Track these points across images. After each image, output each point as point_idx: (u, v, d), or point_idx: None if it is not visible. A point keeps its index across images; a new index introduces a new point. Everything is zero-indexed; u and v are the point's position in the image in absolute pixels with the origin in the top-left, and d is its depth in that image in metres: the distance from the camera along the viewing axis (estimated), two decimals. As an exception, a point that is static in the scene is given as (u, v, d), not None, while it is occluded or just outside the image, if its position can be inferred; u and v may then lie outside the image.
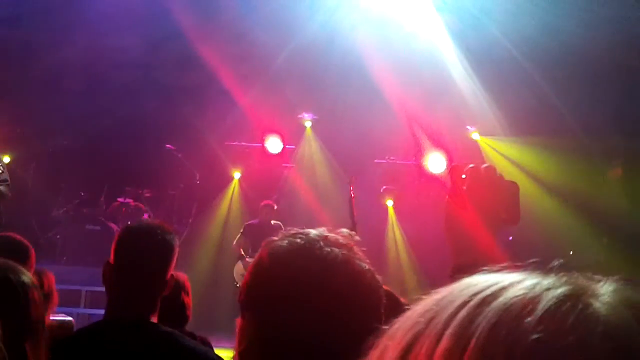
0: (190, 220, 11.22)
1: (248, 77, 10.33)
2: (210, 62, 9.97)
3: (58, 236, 10.19)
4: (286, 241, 1.27)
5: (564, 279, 0.49)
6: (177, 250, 2.27)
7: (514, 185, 1.37)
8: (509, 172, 10.29)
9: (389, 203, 11.91)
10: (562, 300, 0.46)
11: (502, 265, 0.53)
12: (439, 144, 11.50)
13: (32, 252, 3.12)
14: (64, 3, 9.24)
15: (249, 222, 9.45)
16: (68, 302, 8.56)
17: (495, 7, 9.04)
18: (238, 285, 8.68)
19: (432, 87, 10.26)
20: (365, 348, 0.54)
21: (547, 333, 0.44)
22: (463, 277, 0.52)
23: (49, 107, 10.21)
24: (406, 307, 0.53)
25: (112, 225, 9.88)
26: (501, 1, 9.03)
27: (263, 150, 11.69)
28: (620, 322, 0.45)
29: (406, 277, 11.44)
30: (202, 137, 11.24)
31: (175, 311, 3.21)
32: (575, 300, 0.46)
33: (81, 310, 8.47)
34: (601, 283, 0.49)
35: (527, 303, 0.46)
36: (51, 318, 2.99)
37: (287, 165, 12.26)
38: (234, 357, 1.29)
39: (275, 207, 9.50)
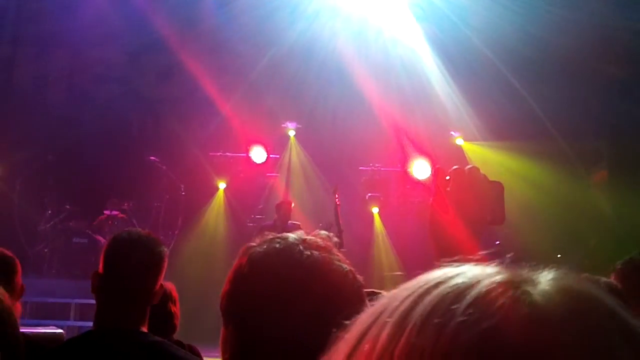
0: (176, 232, 11.19)
1: (230, 87, 10.34)
2: (191, 73, 9.98)
3: (46, 250, 10.13)
4: (265, 246, 1.24)
5: (507, 269, 0.51)
6: (166, 260, 2.27)
7: (498, 186, 1.40)
8: (494, 177, 10.25)
9: (375, 210, 11.90)
10: (494, 287, 0.48)
11: (463, 258, 0.54)
12: (423, 151, 11.56)
13: (18, 265, 3.13)
14: (45, 17, 9.23)
15: (264, 224, 9.14)
16: (58, 314, 8.52)
17: (473, 14, 9.14)
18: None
19: (412, 93, 10.32)
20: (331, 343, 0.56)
21: (473, 316, 0.46)
22: None
23: (31, 121, 10.17)
24: None
25: (99, 238, 9.83)
26: (479, 9, 9.13)
27: (248, 160, 11.66)
28: (548, 306, 0.46)
29: (393, 283, 11.42)
30: (186, 148, 11.22)
31: (163, 320, 3.23)
32: (509, 286, 0.48)
33: (71, 322, 8.42)
34: (543, 273, 0.50)
35: (463, 290, 0.48)
36: (42, 331, 2.97)
37: (272, 174, 12.26)
38: None
39: (293, 205, 9.08)
